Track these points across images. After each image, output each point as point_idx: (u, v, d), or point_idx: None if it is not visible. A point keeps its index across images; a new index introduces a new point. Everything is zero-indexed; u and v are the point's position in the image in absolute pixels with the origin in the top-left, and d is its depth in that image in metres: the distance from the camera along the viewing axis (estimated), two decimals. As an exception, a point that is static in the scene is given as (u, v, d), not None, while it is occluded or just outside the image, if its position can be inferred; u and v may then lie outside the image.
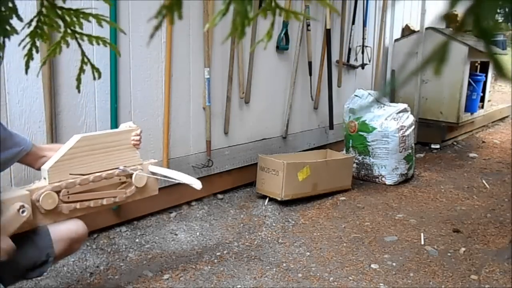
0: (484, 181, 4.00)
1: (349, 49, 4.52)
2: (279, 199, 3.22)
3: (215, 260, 2.47)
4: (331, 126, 4.07)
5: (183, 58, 2.93)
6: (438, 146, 5.07)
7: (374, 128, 3.80)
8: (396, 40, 5.29)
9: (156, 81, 2.80)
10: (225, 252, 2.57)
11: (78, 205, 1.76)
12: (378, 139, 3.80)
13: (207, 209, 3.16)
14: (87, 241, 2.55)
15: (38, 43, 0.76)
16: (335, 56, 4.24)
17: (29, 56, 0.77)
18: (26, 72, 0.80)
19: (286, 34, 3.63)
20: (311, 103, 4.13)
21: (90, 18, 0.76)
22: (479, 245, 2.74)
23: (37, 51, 0.77)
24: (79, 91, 0.97)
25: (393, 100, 5.20)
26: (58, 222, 1.74)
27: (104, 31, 2.46)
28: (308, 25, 3.80)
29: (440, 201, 3.51)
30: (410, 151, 3.90)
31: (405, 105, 3.96)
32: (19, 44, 0.75)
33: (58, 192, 1.68)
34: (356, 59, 4.63)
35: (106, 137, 1.88)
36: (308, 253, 2.59)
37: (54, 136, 2.31)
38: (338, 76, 4.40)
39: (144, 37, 2.68)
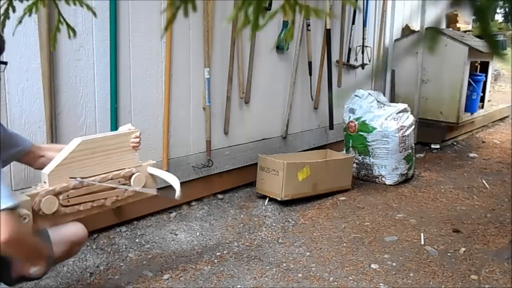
0: (484, 181, 4.00)
1: (349, 49, 4.52)
2: (279, 199, 3.22)
3: (215, 260, 2.47)
4: (331, 126, 4.07)
5: (183, 58, 2.93)
6: (438, 146, 5.07)
7: (374, 128, 3.80)
8: (396, 40, 5.29)
9: (156, 81, 2.80)
10: (225, 252, 2.57)
11: (80, 208, 1.76)
12: (378, 139, 3.80)
13: (207, 209, 3.16)
14: (87, 241, 2.55)
15: (15, 3, 0.75)
16: (335, 56, 4.24)
17: (6, 16, 0.76)
18: (2, 31, 0.80)
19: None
20: (311, 103, 4.13)
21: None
22: (479, 245, 2.74)
23: (13, 11, 0.76)
24: (54, 49, 0.97)
25: (393, 100, 5.21)
26: (58, 226, 1.74)
27: (104, 31, 2.46)
28: (308, 25, 3.80)
29: (440, 201, 3.51)
30: (410, 151, 3.90)
31: (405, 105, 3.96)
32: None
33: (58, 196, 1.68)
34: (356, 59, 4.63)
35: (106, 140, 1.88)
36: (308, 253, 2.59)
37: (54, 136, 2.31)
38: (338, 76, 4.41)
39: (144, 37, 2.68)
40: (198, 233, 2.80)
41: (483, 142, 5.58)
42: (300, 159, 3.43)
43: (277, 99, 3.75)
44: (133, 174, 1.94)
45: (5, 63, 1.60)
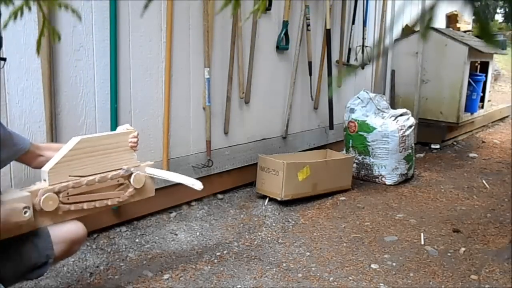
0: (484, 181, 4.00)
1: (349, 49, 4.52)
2: (279, 199, 3.22)
3: (215, 260, 2.47)
4: (331, 126, 4.07)
5: (183, 58, 2.93)
6: (438, 146, 5.07)
7: (374, 128, 3.80)
8: (396, 40, 5.29)
9: (156, 81, 2.80)
10: (225, 252, 2.57)
11: (79, 206, 1.77)
12: (378, 139, 3.80)
13: (207, 209, 3.16)
14: (87, 241, 2.55)
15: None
16: (335, 56, 4.24)
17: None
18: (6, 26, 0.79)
19: (286, 34, 3.63)
20: (311, 103, 4.13)
21: None
22: (479, 245, 2.74)
23: (29, 10, 0.76)
24: (38, 54, 0.98)
25: (393, 100, 5.21)
26: (58, 224, 1.74)
27: (104, 31, 2.46)
28: (308, 25, 3.80)
29: (440, 201, 3.51)
30: (410, 151, 3.90)
31: (404, 110, 3.97)
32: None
33: (58, 194, 1.69)
34: (356, 59, 4.63)
35: (105, 139, 1.90)
36: (308, 253, 2.59)
37: (54, 136, 2.31)
38: (338, 76, 4.40)
39: (144, 37, 2.68)
40: (198, 233, 2.80)
41: (483, 142, 5.59)
42: (300, 159, 3.43)
43: (277, 99, 3.75)
44: (132, 173, 1.94)
45: (4, 59, 1.60)
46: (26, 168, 2.23)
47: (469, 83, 5.04)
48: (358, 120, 3.88)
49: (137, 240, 2.65)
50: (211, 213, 3.11)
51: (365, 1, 4.58)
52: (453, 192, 3.71)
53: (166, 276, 2.28)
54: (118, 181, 1.90)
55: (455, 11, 6.63)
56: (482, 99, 5.60)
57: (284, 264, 2.46)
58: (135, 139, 1.97)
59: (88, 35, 2.41)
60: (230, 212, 3.14)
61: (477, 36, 5.54)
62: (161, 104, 2.84)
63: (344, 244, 2.72)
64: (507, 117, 6.99)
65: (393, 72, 5.26)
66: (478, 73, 5.44)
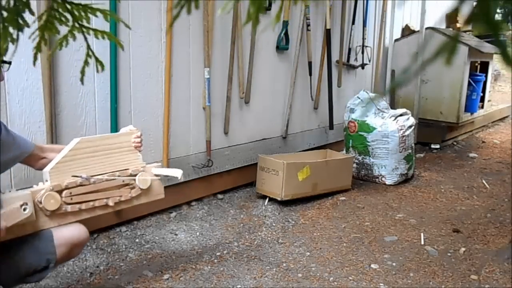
0: (484, 181, 4.00)
1: (349, 49, 4.52)
2: (279, 199, 3.22)
3: (215, 260, 2.47)
4: (331, 126, 4.07)
5: (183, 58, 2.93)
6: (438, 146, 5.07)
7: (374, 128, 3.80)
8: (396, 40, 5.29)
9: (156, 81, 2.80)
10: (225, 252, 2.57)
11: (82, 206, 1.76)
12: (378, 139, 3.80)
13: (207, 209, 3.16)
14: (87, 242, 2.55)
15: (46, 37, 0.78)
16: (335, 56, 4.24)
17: (38, 49, 0.78)
18: (34, 64, 0.82)
19: (286, 34, 3.63)
20: (311, 103, 4.13)
21: (97, 13, 0.78)
22: (479, 245, 2.74)
23: (45, 44, 0.78)
24: (82, 83, 0.99)
25: (393, 100, 5.21)
26: (60, 226, 1.73)
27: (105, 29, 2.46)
28: (308, 25, 3.80)
29: (440, 201, 3.51)
30: (410, 151, 3.90)
31: (404, 110, 3.97)
32: (29, 37, 0.77)
33: (60, 193, 1.68)
34: (356, 59, 4.63)
35: (106, 139, 1.89)
36: (308, 253, 2.59)
37: (54, 136, 2.31)
38: (338, 76, 4.40)
39: (144, 37, 2.68)
40: (198, 233, 2.80)
41: (483, 142, 5.58)
42: (300, 159, 3.43)
43: (277, 99, 3.75)
44: (137, 174, 1.93)
45: (9, 62, 1.60)
46: (26, 169, 2.23)
47: (469, 83, 5.04)
48: (358, 120, 3.88)
49: (137, 240, 2.65)
50: (211, 213, 3.11)
51: (365, 1, 4.58)
52: (453, 192, 3.71)
53: (166, 276, 2.28)
54: (123, 181, 1.89)
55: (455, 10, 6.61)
56: (482, 99, 5.60)
57: (284, 264, 2.46)
58: (139, 139, 1.96)
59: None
60: (230, 212, 3.14)
61: (477, 36, 5.54)
62: (161, 104, 2.84)
63: (344, 244, 2.72)
64: (507, 117, 6.99)
65: (393, 72, 5.25)
66: (478, 73, 5.44)
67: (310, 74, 3.92)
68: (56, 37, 0.80)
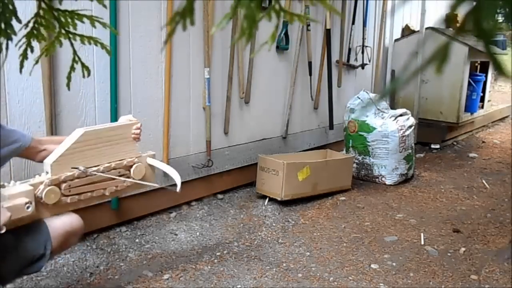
0: (484, 181, 4.00)
1: (349, 49, 4.52)
2: (279, 199, 3.22)
3: (215, 260, 2.47)
4: (331, 126, 4.07)
5: (183, 58, 2.93)
6: (438, 146, 5.07)
7: (374, 128, 3.80)
8: (396, 40, 5.29)
9: (156, 81, 2.80)
10: (225, 252, 2.57)
11: (80, 197, 1.77)
12: (378, 139, 3.80)
13: (207, 209, 3.16)
14: (87, 241, 2.55)
15: (33, 43, 0.78)
16: (335, 56, 4.24)
17: (24, 56, 0.78)
18: (21, 71, 0.82)
19: (286, 34, 3.63)
20: (311, 103, 4.13)
21: (84, 19, 0.79)
22: (479, 245, 2.74)
23: (31, 51, 0.78)
24: (69, 89, 0.99)
25: (393, 100, 5.21)
26: (54, 217, 1.74)
27: (104, 31, 2.46)
28: (308, 25, 3.80)
29: (440, 201, 3.51)
30: (410, 151, 3.90)
31: (404, 110, 3.97)
32: (16, 45, 0.76)
33: (60, 186, 1.69)
34: (356, 59, 4.63)
35: (108, 131, 1.89)
36: (308, 253, 2.59)
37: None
38: (338, 76, 4.40)
39: (144, 37, 2.68)
40: (198, 233, 2.80)
41: (483, 142, 5.58)
42: (300, 159, 3.43)
43: (277, 99, 3.75)
44: (133, 164, 1.94)
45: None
46: (26, 167, 2.23)
47: (469, 83, 5.04)
48: (358, 120, 3.88)
49: (137, 240, 2.65)
50: (211, 213, 3.11)
51: (365, 1, 4.58)
52: (453, 192, 3.71)
53: (166, 276, 2.28)
54: (119, 172, 1.90)
55: (455, 11, 6.61)
56: (482, 99, 5.60)
57: (284, 264, 2.46)
58: (138, 131, 1.97)
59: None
60: (230, 212, 3.14)
61: (477, 37, 5.53)
62: (161, 104, 2.84)
63: (344, 244, 2.72)
64: (507, 117, 6.99)
65: (393, 72, 5.25)
66: (478, 73, 5.44)
67: (310, 74, 3.92)
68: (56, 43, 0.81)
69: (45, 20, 0.76)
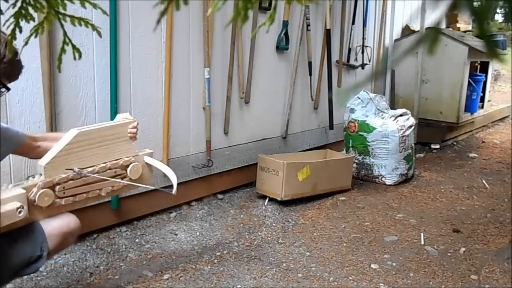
0: (484, 181, 4.00)
1: (349, 49, 4.52)
2: (279, 199, 3.22)
3: (215, 260, 2.47)
4: (331, 126, 4.07)
5: (183, 58, 2.93)
6: (438, 146, 5.07)
7: (374, 128, 3.80)
8: (396, 40, 5.29)
9: (156, 81, 2.80)
10: (225, 252, 2.57)
11: (75, 199, 1.75)
12: (378, 139, 3.80)
13: (207, 209, 3.16)
14: (87, 241, 2.55)
15: (22, 24, 0.76)
16: (335, 56, 4.24)
17: (12, 37, 0.77)
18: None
19: (286, 34, 3.63)
20: (311, 103, 4.13)
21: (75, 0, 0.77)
22: (479, 245, 2.74)
23: (20, 32, 0.77)
24: (59, 71, 0.98)
25: (393, 100, 5.21)
26: (52, 217, 1.73)
27: (104, 31, 2.46)
28: (308, 25, 3.80)
29: (440, 201, 3.51)
30: (410, 151, 3.90)
31: (404, 110, 3.97)
32: (4, 24, 0.75)
33: (54, 188, 1.67)
34: (356, 59, 4.63)
35: (103, 131, 1.85)
36: (308, 253, 2.59)
37: (54, 136, 2.30)
38: (338, 76, 4.41)
39: (144, 37, 2.68)
40: (198, 233, 2.80)
41: (483, 142, 5.59)
42: (300, 159, 3.43)
43: (277, 99, 3.75)
44: (130, 164, 1.92)
45: (9, 89, 1.61)
46: (26, 167, 2.23)
47: (469, 83, 5.04)
48: (358, 120, 3.88)
49: (137, 240, 2.65)
50: (211, 213, 3.11)
51: (365, 1, 4.58)
52: (453, 192, 3.71)
53: (166, 276, 2.28)
54: (115, 172, 1.88)
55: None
56: (482, 99, 5.60)
57: (284, 264, 2.46)
58: (135, 130, 1.93)
59: (88, 35, 2.41)
60: (230, 212, 3.14)
61: (477, 36, 5.53)
62: (161, 104, 2.84)
63: (344, 244, 2.72)
64: (507, 117, 6.99)
65: (393, 72, 5.26)
66: (478, 73, 5.44)
67: (310, 74, 3.92)
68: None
69: (33, 0, 0.75)
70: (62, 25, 0.78)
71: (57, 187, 1.68)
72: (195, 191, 3.17)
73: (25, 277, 2.09)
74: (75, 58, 0.84)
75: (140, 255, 2.50)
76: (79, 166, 1.74)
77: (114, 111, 2.55)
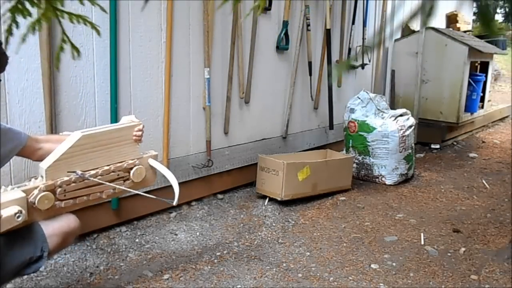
0: (484, 181, 4.00)
1: (349, 49, 4.52)
2: (279, 199, 3.22)
3: (215, 260, 2.47)
4: (331, 126, 4.07)
5: (183, 58, 2.93)
6: (438, 146, 5.07)
7: (374, 128, 3.80)
8: (396, 40, 5.29)
9: (156, 81, 2.80)
10: (225, 252, 2.57)
11: (76, 201, 1.74)
12: (378, 139, 3.80)
13: (207, 209, 3.16)
14: (87, 241, 2.55)
15: (18, 19, 0.75)
16: (335, 56, 4.24)
17: (9, 32, 0.76)
18: (6, 48, 0.80)
19: (286, 34, 3.63)
20: (311, 103, 4.13)
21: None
22: (479, 245, 2.74)
23: (17, 27, 0.75)
24: (57, 68, 0.97)
25: (393, 100, 5.21)
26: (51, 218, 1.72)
27: (104, 31, 2.46)
28: (308, 25, 3.80)
29: (440, 201, 3.51)
30: (410, 151, 3.90)
31: (404, 110, 3.97)
32: None
33: (54, 191, 1.67)
34: (356, 59, 4.63)
35: (108, 134, 1.84)
36: (308, 253, 2.59)
37: (54, 136, 2.30)
38: (338, 76, 4.40)
39: (144, 37, 2.68)
40: (198, 233, 2.80)
41: (483, 142, 5.59)
42: (300, 159, 3.43)
43: (277, 99, 3.75)
44: (133, 167, 1.91)
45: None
46: (26, 167, 2.23)
47: (469, 83, 5.04)
48: (358, 120, 3.88)
49: (137, 240, 2.65)
50: (211, 213, 3.11)
51: (365, 1, 4.58)
52: (453, 192, 3.71)
53: (166, 276, 2.28)
54: (118, 175, 1.87)
55: (455, 11, 6.63)
56: (482, 99, 5.60)
57: (284, 264, 2.46)
58: (140, 132, 1.93)
59: (88, 35, 2.41)
60: (230, 212, 3.14)
61: (477, 36, 5.54)
62: (161, 104, 2.84)
63: (344, 244, 2.72)
64: (507, 117, 6.99)
65: (393, 72, 5.26)
66: (478, 73, 5.44)
67: (310, 74, 3.92)
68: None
69: None
70: (60, 22, 0.77)
71: (58, 190, 1.67)
72: (195, 191, 3.17)
73: (25, 277, 2.09)
74: (73, 57, 0.83)
75: (140, 255, 2.50)
76: (82, 169, 1.73)
77: (114, 111, 2.55)
